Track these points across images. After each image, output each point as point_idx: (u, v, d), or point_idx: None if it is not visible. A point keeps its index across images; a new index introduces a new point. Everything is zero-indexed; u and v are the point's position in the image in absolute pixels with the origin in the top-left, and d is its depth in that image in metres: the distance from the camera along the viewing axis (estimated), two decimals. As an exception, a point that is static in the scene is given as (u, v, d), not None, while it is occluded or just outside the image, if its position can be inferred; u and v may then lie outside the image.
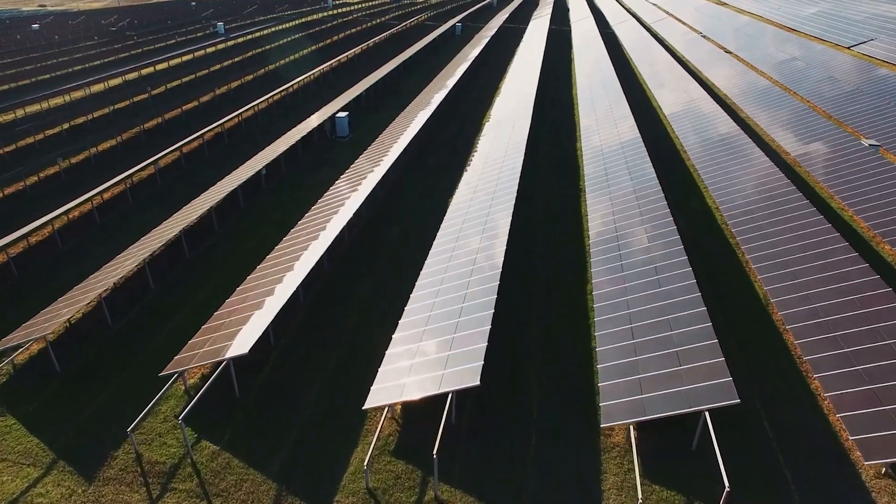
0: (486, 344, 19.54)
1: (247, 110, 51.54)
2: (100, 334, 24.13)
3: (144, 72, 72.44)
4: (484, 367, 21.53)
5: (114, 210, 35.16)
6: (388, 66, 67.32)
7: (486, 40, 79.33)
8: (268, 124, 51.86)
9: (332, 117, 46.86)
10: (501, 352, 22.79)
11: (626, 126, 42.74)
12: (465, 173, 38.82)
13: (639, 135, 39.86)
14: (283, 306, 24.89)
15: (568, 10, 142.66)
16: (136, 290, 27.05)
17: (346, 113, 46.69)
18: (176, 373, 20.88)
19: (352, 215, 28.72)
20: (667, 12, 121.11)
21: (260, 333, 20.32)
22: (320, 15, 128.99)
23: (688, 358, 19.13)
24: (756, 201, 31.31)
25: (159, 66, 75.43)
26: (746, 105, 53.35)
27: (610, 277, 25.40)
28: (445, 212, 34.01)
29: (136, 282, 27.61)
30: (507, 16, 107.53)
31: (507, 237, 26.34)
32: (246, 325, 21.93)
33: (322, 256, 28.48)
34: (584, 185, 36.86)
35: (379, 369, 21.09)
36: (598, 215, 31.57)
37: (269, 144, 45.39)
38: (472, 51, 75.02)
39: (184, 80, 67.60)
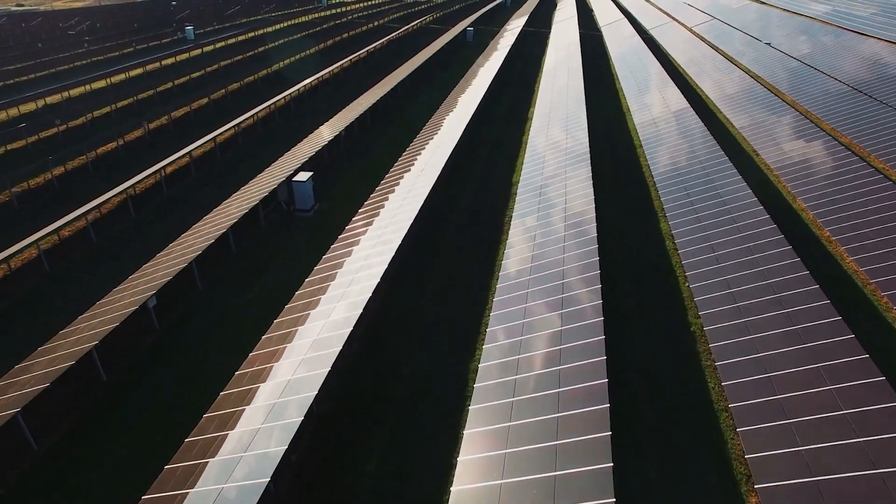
0: None
1: (180, 159, 36.08)
2: None
3: (73, 92, 57.07)
4: None
5: None
6: (383, 86, 51.76)
7: (506, 50, 63.58)
8: (203, 184, 36.34)
9: (290, 181, 31.36)
10: None
11: (757, 216, 27.07)
12: (494, 297, 23.23)
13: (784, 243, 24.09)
14: None
15: (591, 10, 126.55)
16: None
17: (310, 174, 31.16)
18: None
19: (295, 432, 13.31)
20: (709, 14, 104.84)
21: None
22: (310, 17, 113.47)
23: None
24: None
25: (96, 84, 60.04)
26: None
27: None
28: (471, 380, 18.51)
29: None
30: (525, 18, 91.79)
31: None
32: None
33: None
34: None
35: None
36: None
37: (190, 228, 29.86)
38: (490, 63, 59.38)
39: (117, 105, 52.19)
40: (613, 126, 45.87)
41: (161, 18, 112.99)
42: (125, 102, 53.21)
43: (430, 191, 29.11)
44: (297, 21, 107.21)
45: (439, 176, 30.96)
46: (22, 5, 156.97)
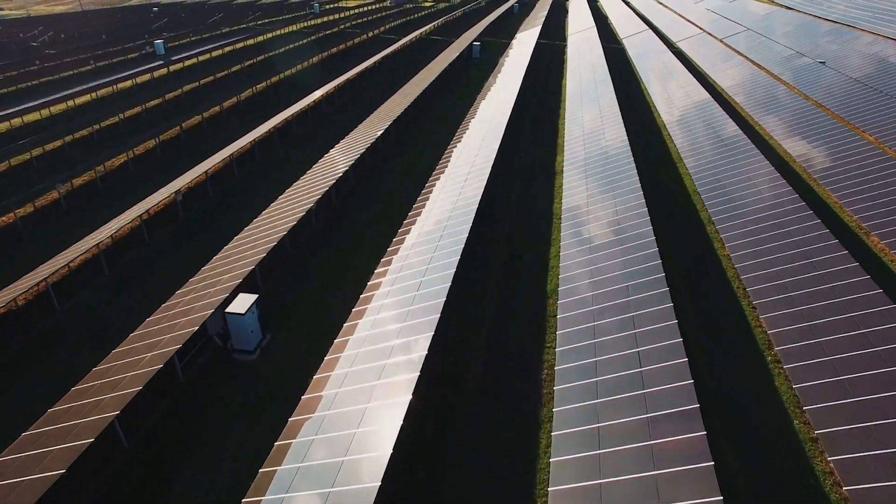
0: None
1: (88, 252, 25.69)
2: None
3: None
4: None
5: None
6: (373, 126, 41.55)
7: (520, 75, 53.33)
8: (114, 294, 26.07)
9: (223, 311, 21.17)
10: None
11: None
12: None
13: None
14: None
15: (606, 17, 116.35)
16: None
17: (253, 300, 21.02)
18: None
19: None
20: (741, 25, 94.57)
21: None
22: (299, 26, 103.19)
23: None
24: None
25: (29, 117, 49.88)
26: None
27: None
28: None
29: None
30: (538, 29, 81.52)
31: None
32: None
33: None
34: None
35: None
36: None
37: (63, 397, 19.72)
38: (502, 92, 49.19)
39: (45, 147, 41.92)
40: (668, 183, 35.76)
41: (136, 27, 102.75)
42: (54, 145, 43.06)
43: (437, 324, 19.03)
44: (283, 31, 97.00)
45: (447, 295, 20.82)
46: (1, 9, 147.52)
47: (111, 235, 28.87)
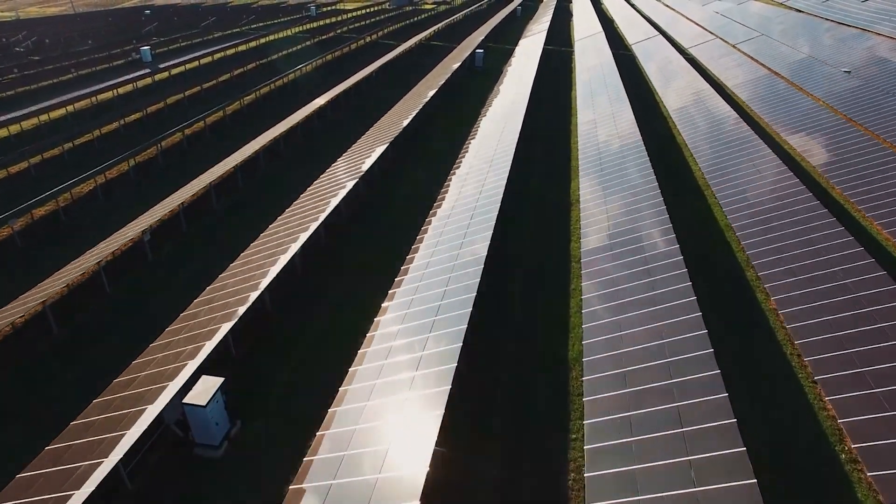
0: None
1: (35, 306, 22.06)
2: None
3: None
4: None
5: None
6: (367, 149, 37.86)
7: (527, 91, 49.60)
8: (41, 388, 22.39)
9: (181, 402, 17.49)
10: None
11: None
12: None
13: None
14: None
15: (612, 21, 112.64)
16: None
17: (218, 385, 17.34)
18: None
19: None
20: (755, 30, 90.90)
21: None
22: (294, 30, 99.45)
23: None
24: None
25: (2, 132, 46.18)
26: None
27: None
28: None
29: None
30: (543, 35, 77.73)
31: None
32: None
33: None
34: None
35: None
36: None
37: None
38: (506, 112, 45.48)
39: (9, 171, 38.21)
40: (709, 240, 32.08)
41: (126, 32, 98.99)
42: (19, 167, 39.34)
43: (442, 419, 15.48)
44: (277, 36, 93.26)
45: (452, 380, 17.24)
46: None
47: (66, 285, 25.21)
